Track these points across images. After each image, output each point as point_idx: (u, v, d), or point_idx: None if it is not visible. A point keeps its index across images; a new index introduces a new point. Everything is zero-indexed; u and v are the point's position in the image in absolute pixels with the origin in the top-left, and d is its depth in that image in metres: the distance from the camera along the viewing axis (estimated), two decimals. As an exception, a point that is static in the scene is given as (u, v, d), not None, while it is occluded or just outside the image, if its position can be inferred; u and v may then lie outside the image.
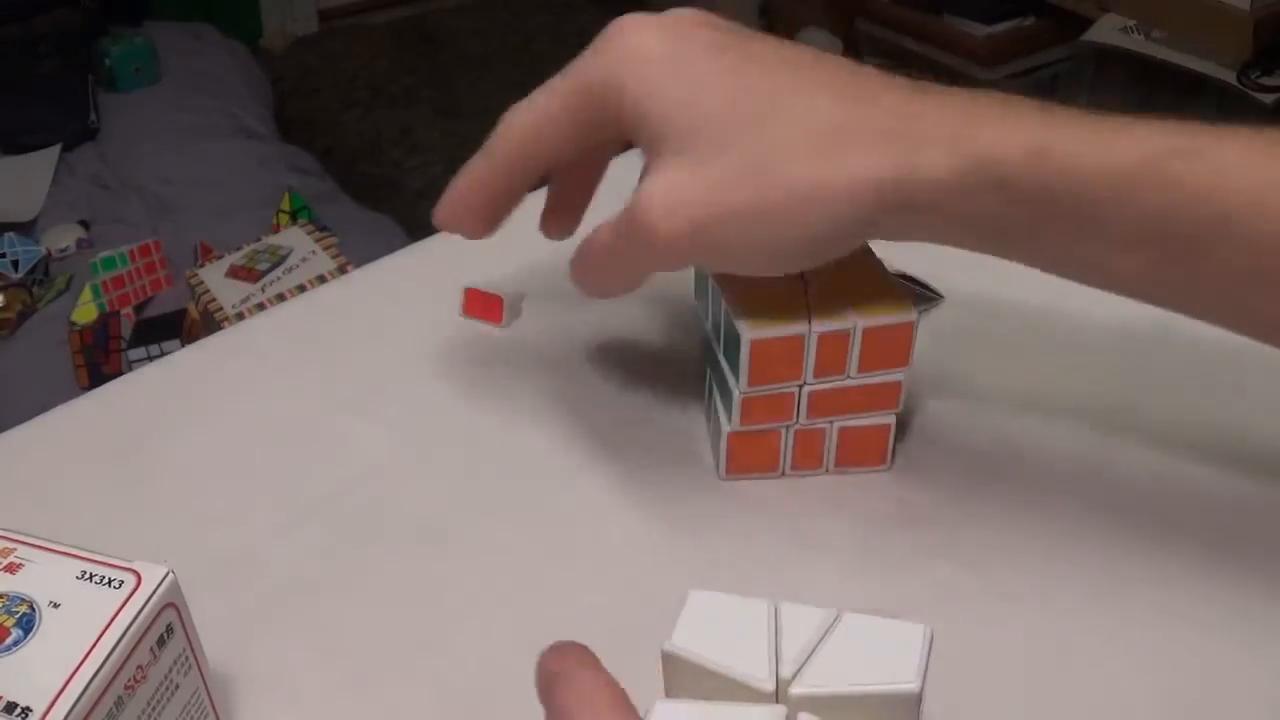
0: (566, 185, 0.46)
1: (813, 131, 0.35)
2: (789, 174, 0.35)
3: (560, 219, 0.47)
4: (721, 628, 0.31)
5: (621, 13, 0.40)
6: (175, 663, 0.31)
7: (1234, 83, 1.82)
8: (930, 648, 0.30)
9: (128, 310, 1.57)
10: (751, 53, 0.37)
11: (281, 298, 1.45)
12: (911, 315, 0.40)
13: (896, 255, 0.45)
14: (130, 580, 0.30)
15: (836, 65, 0.37)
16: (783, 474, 0.43)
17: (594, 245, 0.41)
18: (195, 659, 0.32)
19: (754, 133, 0.35)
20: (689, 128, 0.36)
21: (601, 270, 0.41)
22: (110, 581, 0.30)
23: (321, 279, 1.47)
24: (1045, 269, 0.37)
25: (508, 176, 0.41)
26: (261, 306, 1.45)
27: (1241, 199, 0.34)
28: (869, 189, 0.35)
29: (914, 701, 0.30)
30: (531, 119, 0.40)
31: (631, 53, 0.37)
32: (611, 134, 0.40)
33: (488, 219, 0.43)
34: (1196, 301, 0.37)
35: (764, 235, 0.36)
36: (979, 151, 0.34)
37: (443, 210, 0.43)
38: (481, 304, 0.50)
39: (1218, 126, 0.35)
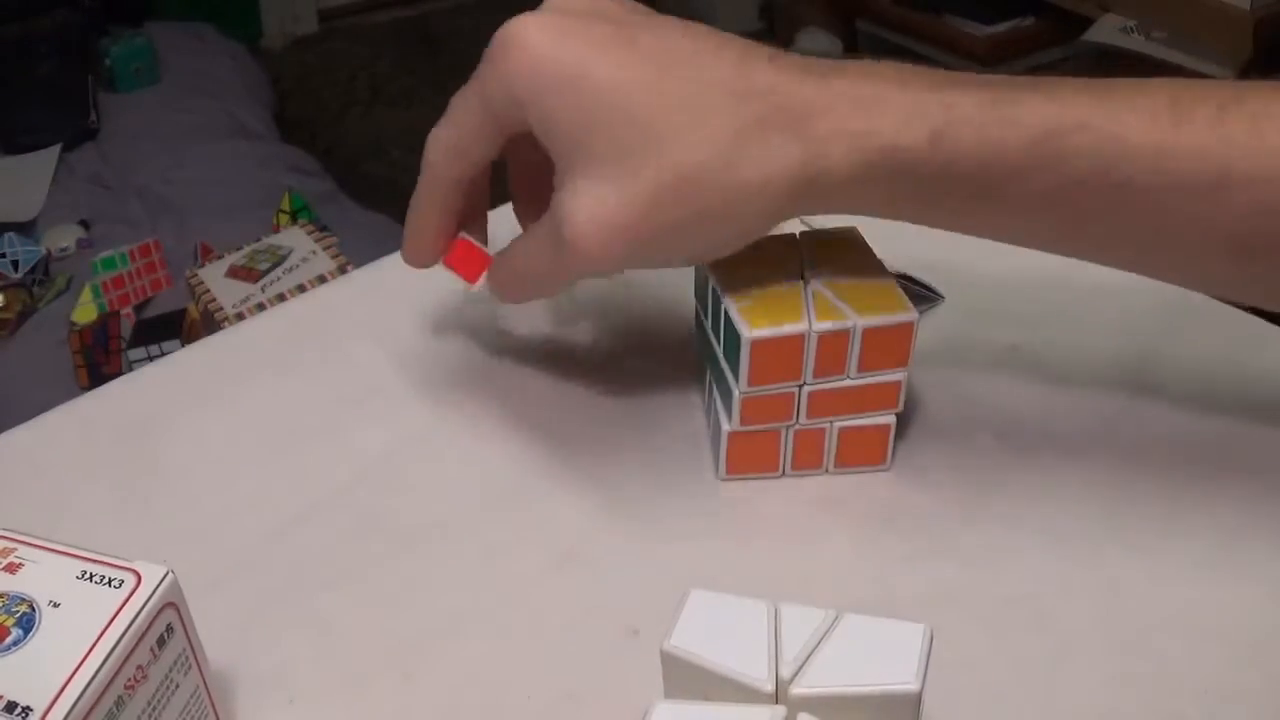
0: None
1: (720, 137, 0.36)
2: (710, 183, 0.36)
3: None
4: (721, 628, 0.31)
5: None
6: (175, 662, 0.31)
7: (1234, 83, 1.82)
8: (930, 648, 0.30)
9: (128, 310, 1.57)
10: (642, 48, 0.37)
11: (281, 298, 1.45)
12: (912, 315, 0.40)
13: (897, 255, 0.45)
14: (130, 580, 0.30)
15: (724, 53, 0.37)
16: (783, 474, 0.43)
17: (518, 260, 0.42)
18: (195, 659, 0.32)
19: (665, 146, 0.36)
20: (597, 147, 0.36)
21: (526, 284, 0.42)
22: (110, 581, 0.30)
23: (321, 279, 1.47)
24: (945, 229, 0.39)
25: (446, 206, 0.43)
26: (261, 306, 1.45)
27: (1139, 165, 0.35)
28: (782, 187, 0.36)
29: (914, 701, 0.30)
30: (456, 136, 0.41)
31: (526, 68, 0.37)
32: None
33: (444, 247, 0.44)
34: (1104, 255, 0.39)
35: (693, 241, 0.38)
36: (881, 145, 0.36)
37: (408, 254, 0.44)
38: (465, 257, 0.45)
39: (1118, 88, 0.36)
